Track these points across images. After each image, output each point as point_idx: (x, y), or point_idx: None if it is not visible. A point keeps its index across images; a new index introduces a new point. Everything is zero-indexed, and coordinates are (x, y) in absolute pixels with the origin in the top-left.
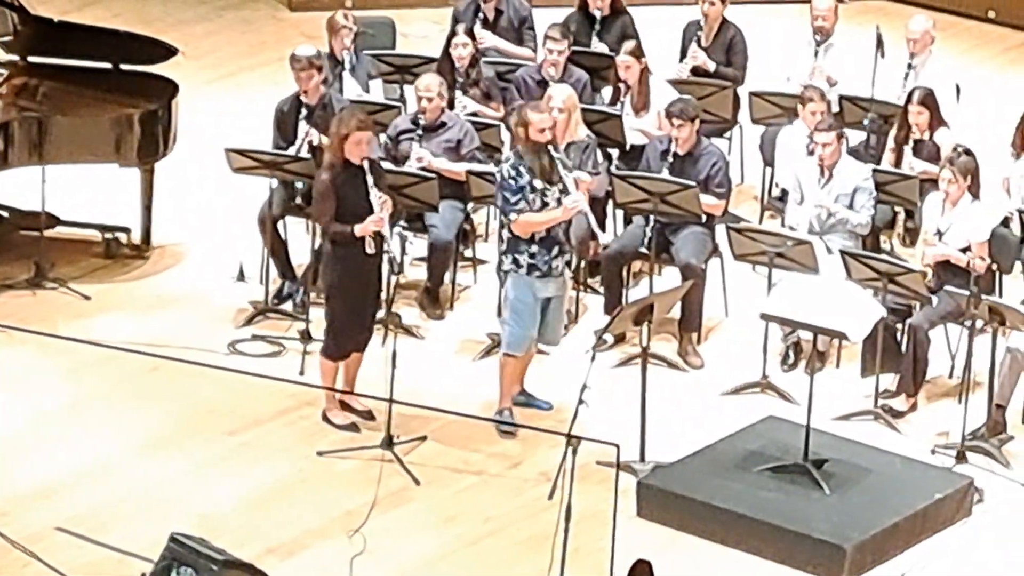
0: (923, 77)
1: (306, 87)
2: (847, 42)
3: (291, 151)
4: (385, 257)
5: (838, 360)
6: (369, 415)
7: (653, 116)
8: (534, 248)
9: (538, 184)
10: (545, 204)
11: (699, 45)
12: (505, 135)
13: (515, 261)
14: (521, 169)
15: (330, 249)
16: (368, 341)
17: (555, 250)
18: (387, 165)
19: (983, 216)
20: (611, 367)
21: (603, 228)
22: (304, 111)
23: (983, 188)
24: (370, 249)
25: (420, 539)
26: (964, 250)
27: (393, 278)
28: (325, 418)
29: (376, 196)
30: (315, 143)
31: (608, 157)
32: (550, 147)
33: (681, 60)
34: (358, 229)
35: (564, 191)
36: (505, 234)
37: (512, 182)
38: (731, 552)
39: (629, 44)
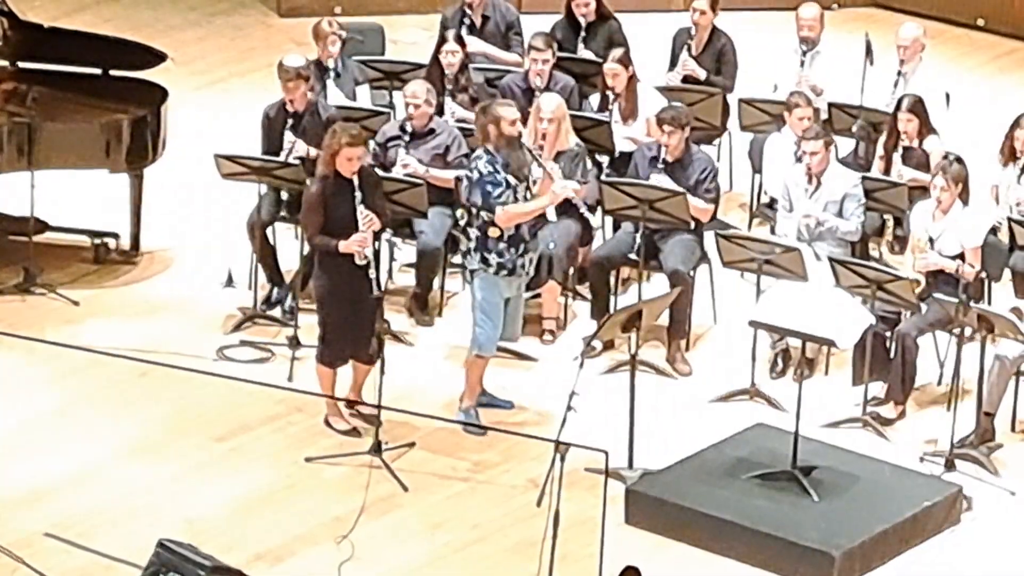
0: (913, 84)
1: (292, 97)
2: (836, 49)
3: (284, 158)
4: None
5: (827, 367)
6: (354, 432)
7: (641, 123)
8: (502, 246)
9: (511, 180)
10: (516, 201)
11: (689, 54)
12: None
13: (484, 260)
14: (497, 165)
15: (318, 259)
16: (368, 348)
17: (521, 248)
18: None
19: (976, 221)
20: (599, 374)
21: (592, 236)
22: (290, 120)
23: (972, 196)
24: (360, 260)
25: (408, 545)
26: (957, 257)
27: (376, 291)
28: (327, 423)
29: (362, 214)
30: (301, 154)
31: (598, 165)
32: (521, 149)
33: (671, 68)
34: (342, 246)
35: (531, 186)
36: (473, 232)
37: (492, 176)
38: (719, 559)
39: (616, 52)
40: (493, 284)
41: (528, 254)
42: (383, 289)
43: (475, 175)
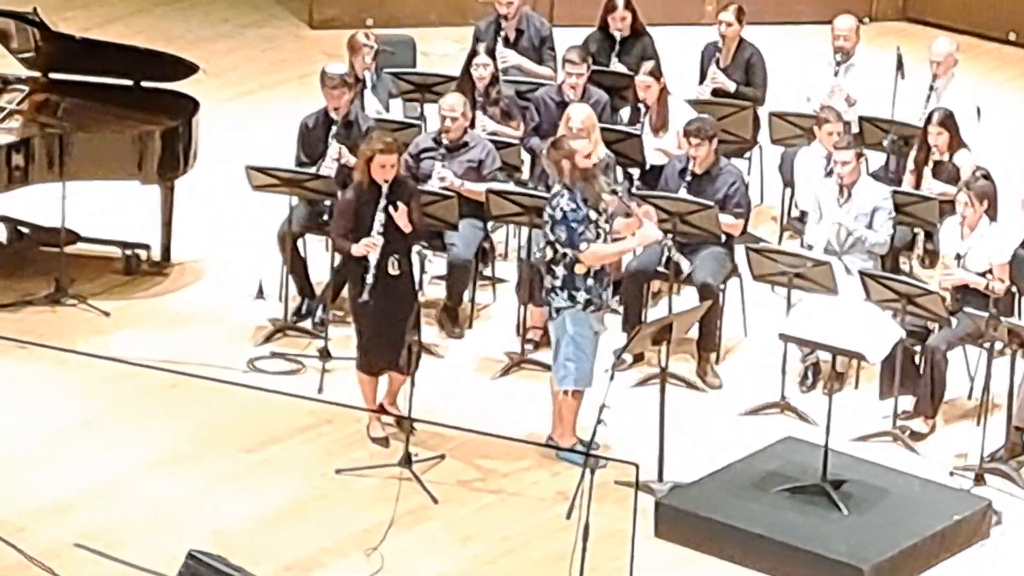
0: (945, 99)
1: (337, 104)
2: (867, 63)
3: (321, 167)
4: (369, 277)
5: (857, 381)
6: (384, 442)
7: (672, 136)
8: (590, 283)
9: (592, 215)
10: (597, 235)
11: (717, 66)
12: (525, 155)
13: (571, 297)
14: (578, 201)
15: (351, 270)
16: (397, 361)
17: (605, 282)
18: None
19: (1004, 237)
20: (630, 387)
21: None
22: (333, 128)
23: (1002, 210)
24: (393, 271)
25: (437, 558)
26: (985, 273)
27: (365, 296)
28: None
29: (380, 219)
30: (343, 161)
31: (629, 178)
32: (598, 177)
33: (700, 82)
34: (354, 248)
35: (609, 219)
36: (560, 270)
37: (575, 213)
38: (749, 572)
39: (648, 64)
40: (583, 319)
41: (610, 287)
42: (371, 296)
43: (558, 213)
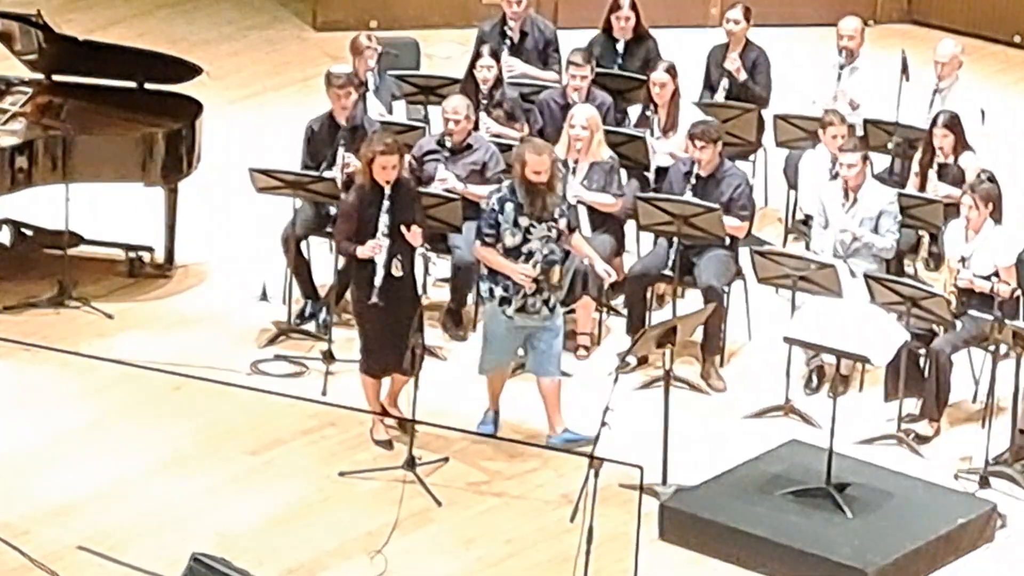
0: (949, 101)
1: (344, 104)
2: (872, 65)
3: (329, 173)
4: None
5: (861, 384)
6: (388, 445)
7: (681, 138)
8: (509, 282)
9: (523, 221)
10: (527, 239)
11: (724, 67)
12: None
13: (490, 290)
14: (507, 206)
15: (354, 272)
16: (403, 361)
17: (532, 288)
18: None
19: (1008, 240)
20: (634, 389)
21: (624, 249)
22: (341, 133)
23: (1007, 212)
24: (396, 272)
25: (441, 561)
26: (990, 276)
27: (374, 298)
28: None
29: (384, 221)
30: (350, 170)
31: (644, 180)
32: (547, 194)
33: (705, 85)
34: (359, 251)
35: (553, 236)
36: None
37: (493, 214)
38: (753, 575)
39: (665, 62)
40: (494, 313)
41: (542, 294)
42: (369, 296)
43: (484, 204)
